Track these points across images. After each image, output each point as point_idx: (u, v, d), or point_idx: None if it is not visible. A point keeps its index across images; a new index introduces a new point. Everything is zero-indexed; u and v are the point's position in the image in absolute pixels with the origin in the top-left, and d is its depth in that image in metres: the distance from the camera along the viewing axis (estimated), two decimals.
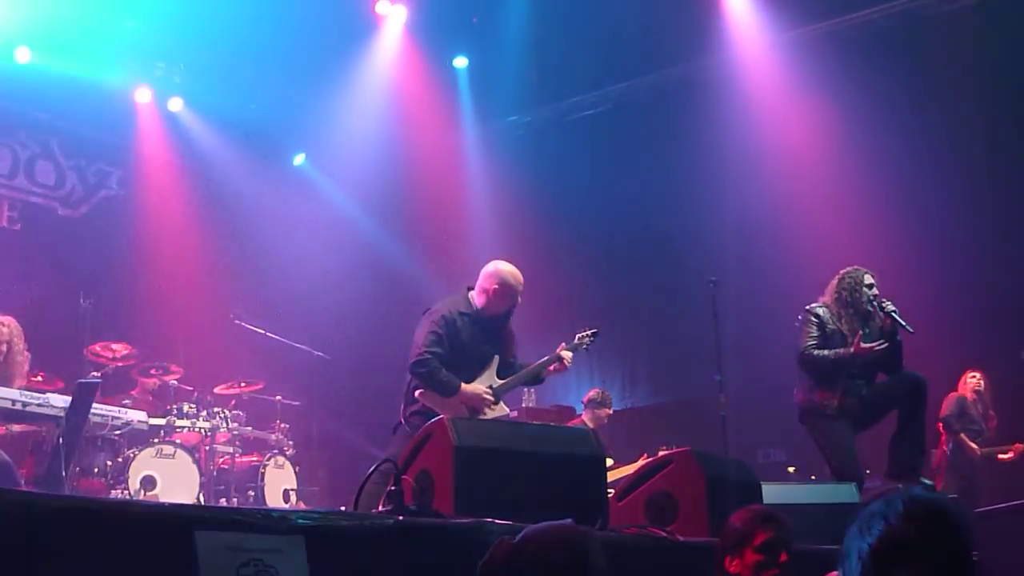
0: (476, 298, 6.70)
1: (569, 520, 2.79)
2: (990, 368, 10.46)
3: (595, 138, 13.23)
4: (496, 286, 6.63)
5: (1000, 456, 10.09)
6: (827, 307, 7.32)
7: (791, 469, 10.67)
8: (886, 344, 7.07)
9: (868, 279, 7.32)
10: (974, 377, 10.23)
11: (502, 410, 6.70)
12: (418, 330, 6.57)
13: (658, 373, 12.50)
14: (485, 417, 6.52)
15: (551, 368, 6.87)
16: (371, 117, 13.28)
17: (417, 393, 6.47)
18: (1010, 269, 10.51)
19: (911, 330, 7.09)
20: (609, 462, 9.13)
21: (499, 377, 6.75)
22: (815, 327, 7.24)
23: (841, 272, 7.42)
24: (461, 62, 13.61)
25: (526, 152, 13.78)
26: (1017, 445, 10.08)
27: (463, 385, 6.48)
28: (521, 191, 13.18)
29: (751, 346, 10.68)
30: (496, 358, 6.73)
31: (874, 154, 11.15)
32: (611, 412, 10.32)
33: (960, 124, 11.00)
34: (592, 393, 10.36)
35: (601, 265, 12.94)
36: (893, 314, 7.08)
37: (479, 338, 6.66)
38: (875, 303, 7.20)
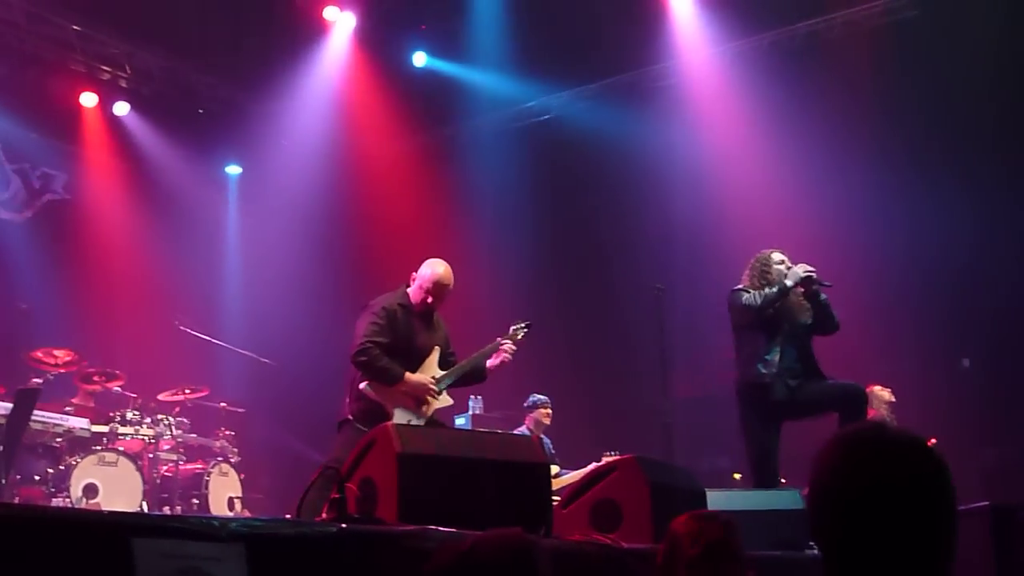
0: (412, 294, 6.75)
1: (518, 528, 2.80)
2: (931, 377, 10.60)
3: (541, 145, 13.26)
4: (430, 283, 6.68)
5: None
6: (747, 288, 7.38)
7: (737, 476, 10.74)
8: (821, 284, 7.22)
9: (777, 255, 7.46)
10: (883, 391, 10.11)
11: (446, 400, 6.70)
12: (359, 322, 6.58)
13: (603, 380, 12.52)
14: (430, 407, 6.54)
15: (493, 361, 6.88)
16: (316, 122, 13.25)
17: (362, 386, 6.43)
18: (949, 278, 10.66)
19: (829, 284, 7.28)
20: (555, 470, 9.21)
21: (441, 369, 6.75)
22: (748, 292, 7.34)
23: (751, 259, 7.54)
24: (420, 58, 13.54)
25: (471, 159, 13.80)
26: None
27: (407, 374, 6.46)
28: (466, 198, 13.20)
29: (697, 353, 10.76)
30: (437, 350, 6.75)
31: (818, 163, 11.27)
32: (550, 412, 10.26)
33: (903, 134, 11.15)
34: (529, 400, 10.37)
35: (546, 272, 12.96)
36: (810, 274, 7.19)
37: (418, 330, 6.68)
38: (788, 272, 7.27)
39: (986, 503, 6.53)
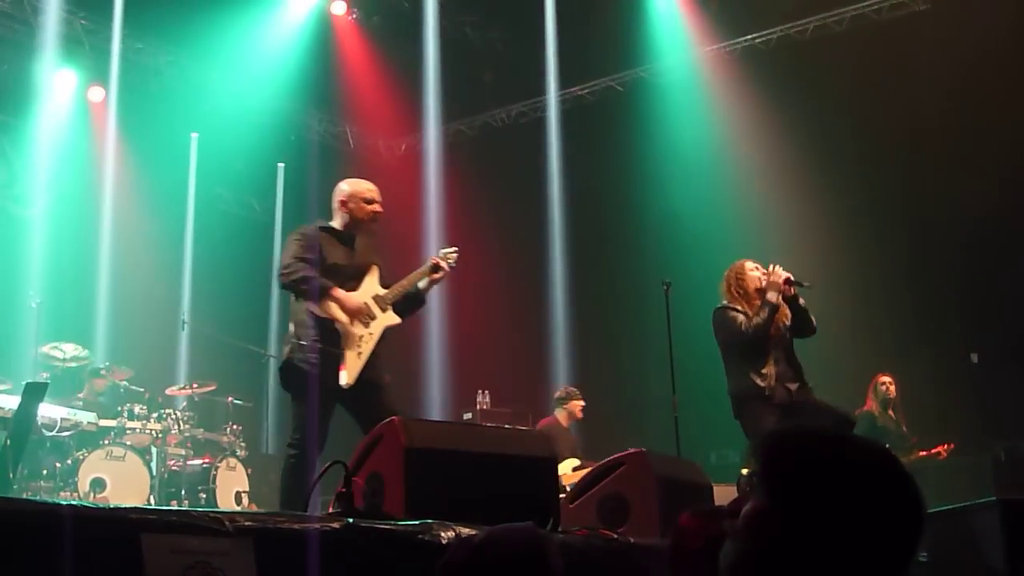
0: (334, 219, 6.42)
1: (529, 523, 2.80)
2: (940, 371, 10.59)
3: (546, 141, 13.27)
4: (345, 198, 6.38)
5: (920, 454, 9.94)
6: (735, 308, 7.35)
7: (744, 471, 10.72)
8: (800, 285, 7.21)
9: (749, 264, 7.42)
10: (884, 384, 9.98)
11: (392, 318, 6.30)
12: (281, 251, 6.29)
13: (612, 375, 12.53)
14: (376, 326, 6.19)
15: (430, 278, 6.46)
16: (325, 116, 13.27)
17: (306, 305, 6.04)
18: (957, 272, 10.65)
19: (808, 284, 7.26)
20: (576, 463, 9.31)
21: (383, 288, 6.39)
22: (740, 313, 7.26)
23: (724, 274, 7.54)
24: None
25: (478, 155, 13.83)
26: (942, 447, 9.98)
27: (336, 288, 6.08)
28: (473, 193, 13.21)
29: (705, 348, 10.73)
30: (375, 268, 6.39)
31: (824, 156, 11.29)
32: (583, 403, 10.14)
33: (912, 132, 11.16)
34: (559, 392, 10.29)
35: (554, 267, 12.97)
36: (789, 277, 7.17)
37: (345, 252, 6.32)
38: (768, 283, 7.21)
39: (994, 498, 6.52)
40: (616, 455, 5.57)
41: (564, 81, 13.16)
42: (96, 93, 12.51)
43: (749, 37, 12.23)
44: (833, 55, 11.69)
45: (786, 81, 11.72)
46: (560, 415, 10.17)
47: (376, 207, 6.41)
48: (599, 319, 12.74)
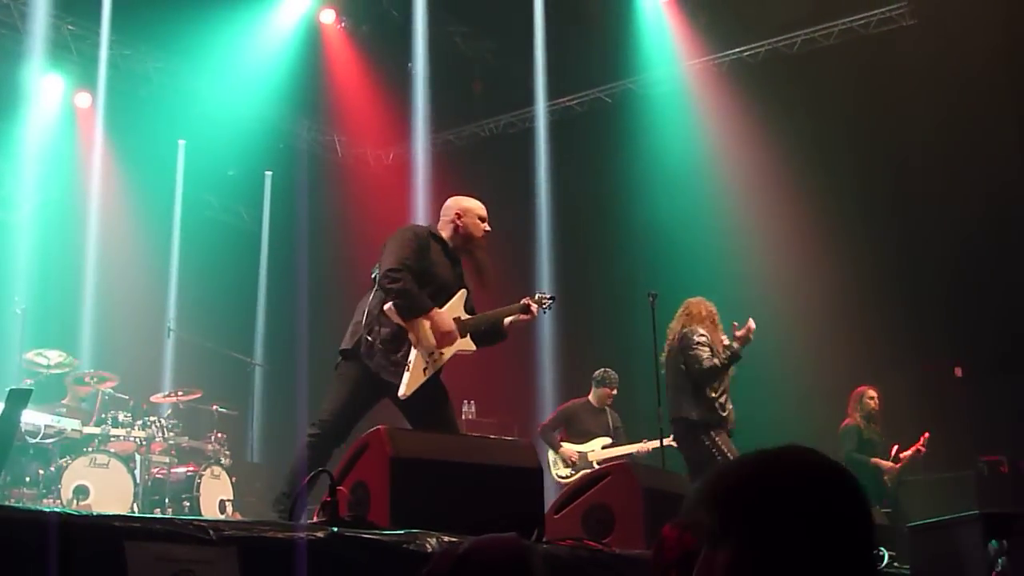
0: (441, 227, 6.34)
1: (513, 533, 2.80)
2: (924, 385, 10.63)
3: (535, 152, 13.29)
4: (461, 211, 6.31)
5: (904, 455, 9.81)
6: (708, 344, 7.87)
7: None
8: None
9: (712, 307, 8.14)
10: (871, 398, 9.93)
11: (468, 345, 6.25)
12: (391, 244, 6.06)
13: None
14: (449, 351, 6.11)
15: (517, 318, 6.44)
16: (314, 125, 13.26)
17: (387, 306, 5.94)
18: (942, 287, 10.70)
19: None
20: (606, 441, 9.74)
21: (467, 313, 6.33)
22: (706, 346, 7.83)
23: (689, 304, 8.16)
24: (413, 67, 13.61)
25: (467, 165, 13.84)
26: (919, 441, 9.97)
27: (435, 308, 5.98)
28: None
29: None
30: (464, 292, 6.31)
31: (810, 170, 11.34)
32: (614, 392, 10.05)
33: (898, 146, 11.22)
34: (597, 373, 10.12)
35: (540, 277, 12.98)
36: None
37: (447, 265, 6.23)
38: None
39: (977, 512, 6.55)
40: (602, 466, 5.58)
41: (553, 92, 13.19)
42: (83, 99, 12.50)
43: (737, 50, 12.29)
44: (821, 69, 11.76)
45: (774, 95, 11.78)
46: (592, 396, 10.09)
47: (487, 226, 6.38)
48: (585, 330, 12.75)
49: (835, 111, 11.37)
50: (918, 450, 9.76)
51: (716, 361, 7.75)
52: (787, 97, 11.67)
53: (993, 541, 4.99)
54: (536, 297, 6.58)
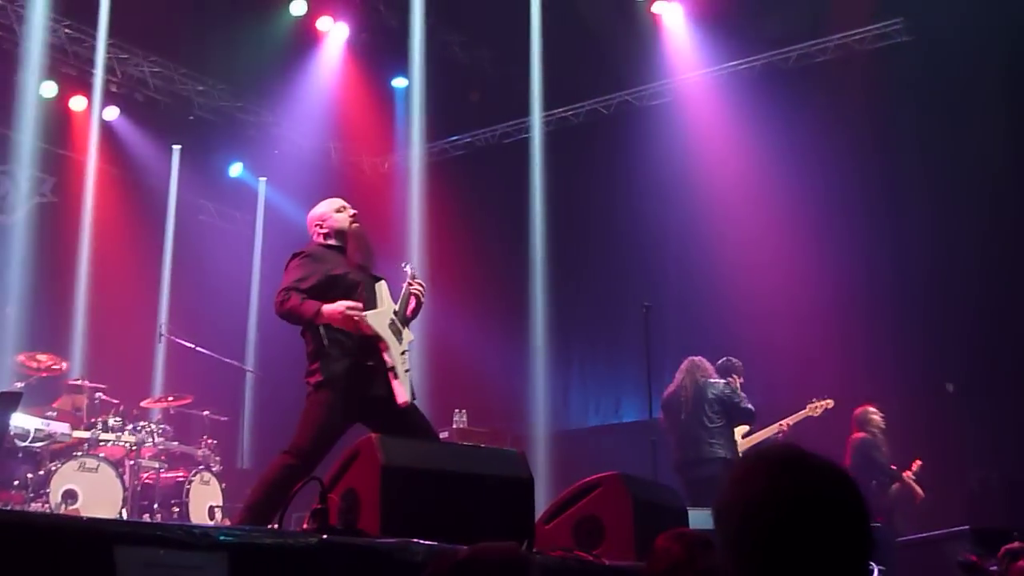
0: (316, 239, 6.28)
1: (513, 542, 2.80)
2: (915, 400, 10.63)
3: (531, 162, 13.29)
4: (318, 222, 6.25)
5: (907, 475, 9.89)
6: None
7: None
8: None
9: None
10: (875, 413, 9.82)
11: (407, 335, 6.13)
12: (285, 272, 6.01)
13: (590, 396, 12.55)
14: (405, 342, 6.03)
15: (411, 306, 6.26)
16: (309, 131, 13.27)
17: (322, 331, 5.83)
18: (934, 302, 10.72)
19: None
20: (746, 429, 9.41)
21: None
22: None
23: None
24: (401, 82, 13.66)
25: (462, 174, 13.86)
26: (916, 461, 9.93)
27: (323, 305, 5.80)
28: (456, 212, 13.23)
29: None
30: (383, 284, 6.19)
31: (810, 186, 11.36)
32: (742, 380, 9.55)
33: (891, 161, 11.25)
34: (720, 361, 9.60)
35: (535, 287, 12.98)
36: None
37: (348, 266, 6.10)
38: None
39: (967, 527, 6.57)
40: (592, 477, 5.57)
41: (550, 103, 13.20)
42: (79, 102, 12.49)
43: (734, 63, 12.32)
44: (817, 84, 11.80)
45: (770, 108, 11.79)
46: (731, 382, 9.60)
47: (349, 211, 6.33)
48: (579, 340, 12.76)
49: (831, 125, 11.38)
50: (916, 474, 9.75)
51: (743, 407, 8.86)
52: (783, 111, 11.69)
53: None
54: (408, 271, 6.40)
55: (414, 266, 6.52)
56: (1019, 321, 10.23)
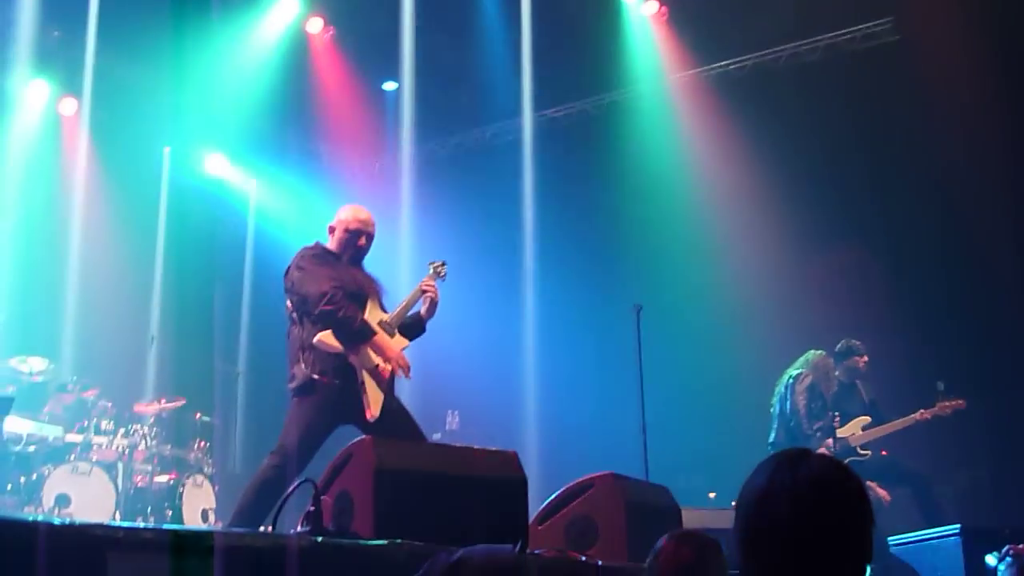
0: (334, 243, 6.30)
1: (508, 546, 2.80)
2: (906, 399, 10.65)
3: (521, 162, 13.29)
4: (354, 223, 6.32)
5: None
6: None
7: (712, 495, 10.73)
8: None
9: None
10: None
11: (402, 342, 6.20)
12: (298, 277, 6.01)
13: (582, 397, 12.54)
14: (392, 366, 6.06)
15: (424, 307, 6.37)
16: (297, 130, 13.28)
17: (317, 338, 5.85)
18: (924, 301, 10.73)
19: None
20: (866, 421, 9.00)
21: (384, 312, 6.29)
22: None
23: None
24: (390, 86, 13.65)
25: (449, 175, 13.86)
26: None
27: (380, 335, 5.96)
28: (444, 214, 13.22)
29: (674, 371, 10.79)
30: (377, 291, 6.30)
31: (787, 187, 11.37)
32: (866, 359, 9.35)
33: (880, 159, 11.26)
34: (839, 345, 9.41)
35: (526, 287, 12.99)
36: None
37: (353, 274, 6.20)
38: None
39: (958, 525, 6.59)
40: (584, 477, 5.58)
41: (539, 103, 13.20)
42: (68, 105, 12.46)
43: (723, 63, 12.34)
44: (806, 84, 11.80)
45: (759, 108, 11.81)
46: (840, 372, 9.35)
47: (372, 228, 6.40)
48: (571, 340, 12.74)
49: (821, 125, 11.39)
50: None
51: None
52: (773, 111, 11.70)
53: (994, 554, 5.02)
54: (430, 272, 6.55)
55: (437, 264, 6.63)
56: (1008, 320, 10.26)
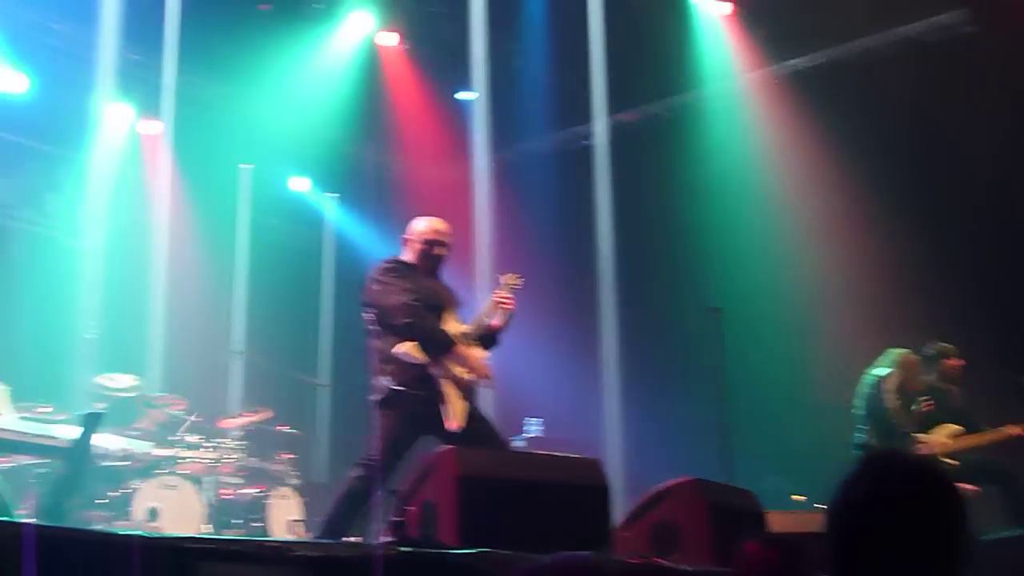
0: (409, 254, 6.37)
1: (589, 552, 2.80)
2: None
3: (594, 167, 13.24)
4: (429, 234, 6.37)
5: None
6: None
7: (795, 497, 10.59)
8: None
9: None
10: None
11: (482, 353, 6.25)
12: (376, 286, 6.10)
13: (663, 400, 12.47)
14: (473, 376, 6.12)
15: (497, 320, 6.37)
16: (373, 144, 13.38)
17: (399, 349, 5.92)
18: (991, 299, 10.49)
19: None
20: (953, 429, 8.53)
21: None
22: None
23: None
24: (465, 96, 13.69)
25: (528, 181, 13.87)
26: None
27: (460, 346, 6.02)
28: (522, 220, 13.24)
29: (757, 373, 10.69)
30: (455, 302, 6.35)
31: (864, 185, 11.19)
32: (961, 363, 8.92)
33: (959, 154, 11.04)
34: (929, 349, 9.03)
35: (603, 293, 12.94)
36: None
37: (430, 287, 6.26)
38: None
39: None
40: (667, 483, 5.56)
41: (611, 107, 13.16)
42: (149, 126, 12.69)
43: (795, 60, 12.20)
44: (881, 78, 11.61)
45: (834, 104, 11.64)
46: (935, 377, 8.94)
47: (449, 239, 6.45)
48: (650, 345, 12.68)
49: (897, 120, 11.21)
50: None
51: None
52: (848, 106, 11.54)
53: None
54: (502, 284, 6.52)
55: (509, 277, 6.60)
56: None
